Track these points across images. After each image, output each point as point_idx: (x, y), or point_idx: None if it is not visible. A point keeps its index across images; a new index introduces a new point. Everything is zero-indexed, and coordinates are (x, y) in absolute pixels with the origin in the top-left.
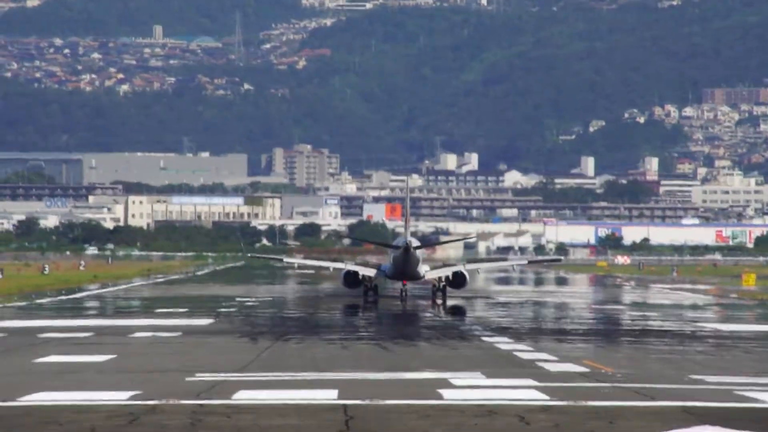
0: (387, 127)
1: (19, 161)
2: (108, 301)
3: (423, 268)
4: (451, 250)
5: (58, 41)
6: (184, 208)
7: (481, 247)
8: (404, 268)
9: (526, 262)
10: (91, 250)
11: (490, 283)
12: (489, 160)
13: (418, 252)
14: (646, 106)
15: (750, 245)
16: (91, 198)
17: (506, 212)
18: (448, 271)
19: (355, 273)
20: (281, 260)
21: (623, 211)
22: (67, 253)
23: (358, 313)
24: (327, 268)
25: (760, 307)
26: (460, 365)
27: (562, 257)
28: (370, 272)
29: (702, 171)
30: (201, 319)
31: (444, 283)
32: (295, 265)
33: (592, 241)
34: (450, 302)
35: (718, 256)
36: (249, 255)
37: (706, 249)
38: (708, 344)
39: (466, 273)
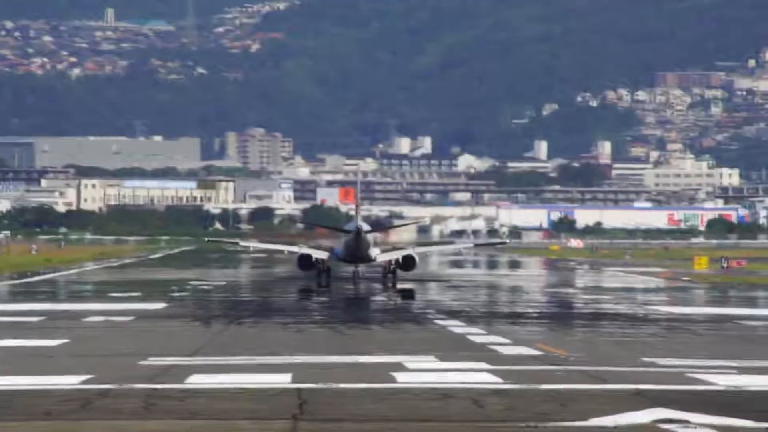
0: (341, 111)
1: None
2: (60, 285)
3: (374, 251)
4: (405, 234)
5: (8, 24)
6: (137, 192)
7: (435, 231)
8: (356, 251)
9: (471, 245)
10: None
11: (444, 267)
12: (442, 143)
13: (369, 236)
14: (599, 89)
15: (702, 228)
16: (43, 182)
17: (460, 196)
18: (398, 255)
19: (309, 256)
20: (237, 243)
21: (576, 194)
22: (19, 237)
23: (312, 297)
24: (281, 252)
25: (712, 290)
26: (414, 349)
27: (507, 240)
28: (324, 255)
29: (654, 154)
30: (154, 304)
31: (394, 266)
32: (250, 248)
33: (545, 224)
34: (403, 286)
35: (669, 240)
36: (206, 239)
37: (659, 232)
38: (660, 327)
39: (415, 256)
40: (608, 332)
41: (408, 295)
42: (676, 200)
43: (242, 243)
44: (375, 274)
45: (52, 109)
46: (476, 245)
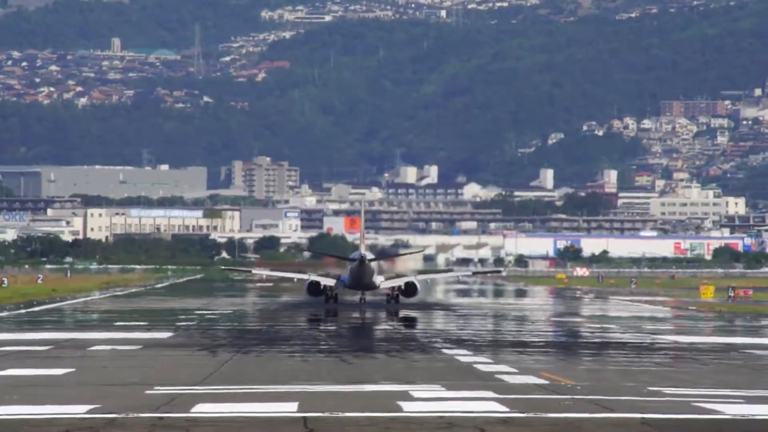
0: (347, 140)
1: None
2: (66, 314)
3: (378, 279)
4: (411, 262)
5: (16, 54)
6: (143, 220)
7: (441, 259)
8: (360, 278)
9: (470, 273)
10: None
11: (451, 296)
12: (448, 172)
13: (373, 264)
14: (604, 118)
15: (708, 257)
16: (49, 211)
17: (466, 225)
18: (400, 282)
19: (317, 283)
20: (250, 272)
21: (582, 223)
22: (26, 266)
23: (318, 326)
24: (291, 279)
25: (718, 320)
26: (420, 377)
27: (503, 269)
28: (331, 282)
29: (660, 183)
30: (160, 332)
31: (397, 293)
32: (263, 276)
33: (551, 253)
34: (409, 314)
35: (676, 269)
36: (221, 267)
37: (665, 261)
38: (666, 356)
39: (417, 283)
40: (614, 361)
41: (413, 323)
42: (682, 229)
43: (255, 271)
44: (380, 299)
45: (59, 138)
46: (474, 273)
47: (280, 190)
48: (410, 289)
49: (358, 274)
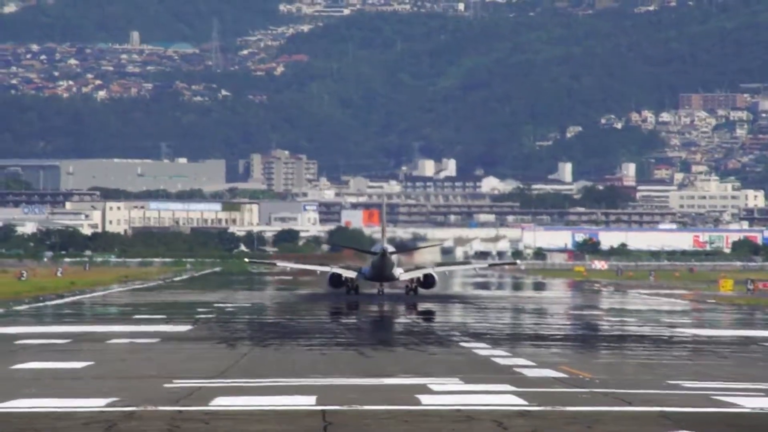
0: (365, 133)
1: None
2: (86, 307)
3: (398, 271)
4: (429, 255)
5: (35, 47)
6: (162, 214)
7: (459, 252)
8: (382, 270)
9: (486, 265)
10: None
11: (470, 289)
12: (466, 165)
13: (394, 257)
14: (623, 111)
15: (727, 250)
16: (68, 204)
17: (484, 218)
18: (419, 273)
19: (339, 275)
20: (275, 264)
21: (600, 216)
22: (45, 259)
23: (337, 319)
24: (314, 272)
25: (737, 313)
26: (438, 371)
27: (518, 261)
28: (352, 274)
29: (679, 176)
30: (179, 326)
31: (416, 284)
32: (287, 268)
33: (570, 246)
34: (428, 306)
35: (694, 262)
36: (246, 260)
37: (683, 254)
38: (685, 349)
39: (435, 275)
40: (633, 354)
41: (432, 316)
42: (701, 222)
43: (279, 263)
44: (399, 290)
45: (78, 131)
46: (491, 265)
47: (299, 183)
48: (429, 280)
49: (380, 266)
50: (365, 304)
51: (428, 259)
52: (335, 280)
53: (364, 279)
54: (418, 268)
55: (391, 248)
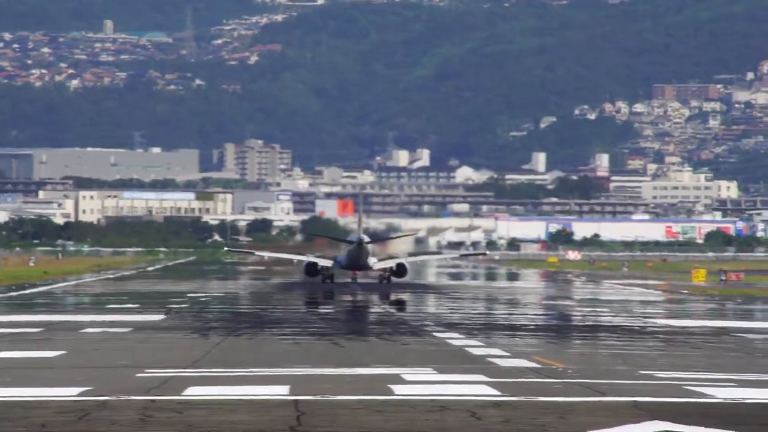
0: (339, 123)
1: None
2: (58, 297)
3: (372, 260)
4: (403, 245)
5: (7, 36)
6: (135, 203)
7: (432, 242)
8: (357, 260)
9: (458, 255)
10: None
11: (443, 279)
12: (440, 155)
13: (369, 246)
14: (596, 102)
15: (700, 241)
16: (41, 193)
17: (458, 208)
18: (392, 263)
19: (315, 264)
20: (253, 253)
21: (574, 206)
22: (17, 249)
23: (310, 309)
24: (290, 261)
25: (710, 303)
26: (412, 361)
27: (486, 251)
28: (328, 263)
29: (652, 167)
30: (152, 315)
31: (389, 273)
32: (265, 257)
33: (543, 236)
34: (402, 296)
35: (667, 252)
36: (226, 249)
37: (657, 244)
38: (658, 340)
39: (407, 264)
40: (606, 345)
41: (405, 306)
42: (674, 213)
43: (257, 252)
44: (372, 280)
45: (51, 120)
46: (462, 255)
47: (272, 173)
48: (401, 270)
49: (356, 255)
50: (340, 293)
51: (401, 249)
52: (311, 269)
53: (340, 268)
54: (390, 257)
55: (366, 238)
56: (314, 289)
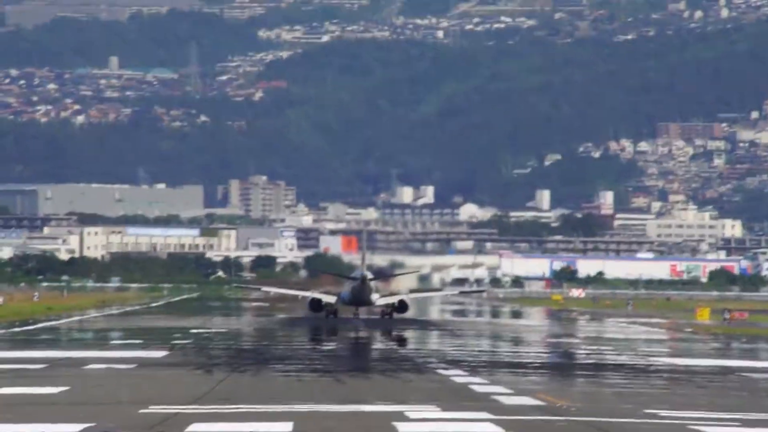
0: (343, 160)
1: None
2: (62, 333)
3: (374, 296)
4: (406, 281)
5: (13, 72)
6: (139, 239)
7: (436, 279)
8: (360, 296)
9: (457, 292)
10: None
11: (447, 316)
12: (444, 193)
13: (372, 283)
14: (601, 140)
15: (704, 279)
16: (46, 229)
17: (462, 245)
18: (394, 299)
19: (319, 300)
20: (260, 289)
21: (578, 244)
22: (22, 285)
23: (313, 345)
24: (295, 297)
25: (714, 342)
26: (415, 398)
27: (486, 288)
28: (332, 299)
29: (656, 205)
30: (156, 351)
31: (391, 309)
32: (271, 293)
33: (548, 274)
34: (405, 333)
35: (672, 291)
36: (235, 285)
37: (661, 283)
38: (662, 378)
39: (408, 301)
40: (610, 383)
41: (409, 343)
42: (678, 251)
43: (264, 288)
44: (374, 316)
45: (56, 156)
46: (461, 292)
47: (277, 209)
48: (402, 306)
49: (359, 291)
50: (343, 330)
51: (405, 286)
52: (315, 304)
53: (343, 304)
54: (392, 294)
55: (369, 275)
56: (318, 325)
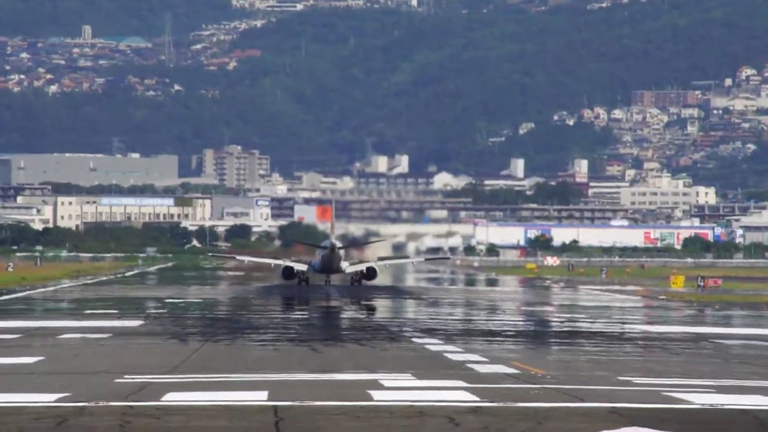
0: (318, 129)
1: None
2: (36, 302)
3: (344, 264)
4: (381, 251)
5: None
6: (114, 209)
7: (411, 247)
8: (330, 264)
9: (423, 259)
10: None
11: (422, 284)
12: (419, 161)
13: (341, 251)
14: (575, 108)
15: (678, 247)
16: (19, 199)
17: (436, 213)
18: (362, 267)
19: (291, 268)
20: (234, 258)
21: (553, 212)
22: None
23: (288, 314)
24: (269, 265)
25: (688, 309)
26: (390, 366)
27: (450, 256)
28: (303, 267)
29: (631, 173)
30: (131, 321)
31: (360, 276)
32: (245, 261)
33: (522, 242)
34: (380, 302)
35: (646, 258)
36: (210, 254)
37: (635, 250)
38: (636, 346)
39: (376, 267)
40: (585, 351)
41: (383, 311)
42: (652, 219)
43: (238, 257)
44: (344, 282)
45: (29, 126)
46: (426, 260)
47: (251, 179)
48: (371, 273)
49: (329, 260)
50: (316, 298)
51: (375, 254)
52: (288, 272)
53: (314, 272)
54: (361, 261)
55: (338, 243)
56: (290, 292)
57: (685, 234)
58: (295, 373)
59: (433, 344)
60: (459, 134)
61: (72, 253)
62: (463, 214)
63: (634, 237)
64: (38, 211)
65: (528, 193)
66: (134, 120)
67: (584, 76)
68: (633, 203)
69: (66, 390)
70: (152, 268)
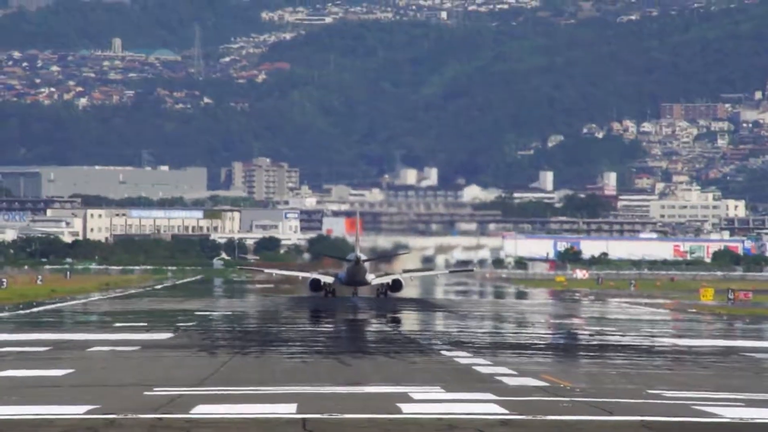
0: (346, 141)
1: None
2: (66, 315)
3: (370, 276)
4: (410, 263)
5: (16, 54)
6: (143, 221)
7: (440, 260)
8: (355, 276)
9: (447, 272)
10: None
11: (450, 296)
12: (448, 174)
13: (366, 264)
14: (604, 121)
15: (707, 260)
16: (49, 211)
17: (465, 226)
18: (388, 279)
19: (318, 280)
20: (263, 271)
21: (582, 225)
22: (25, 267)
23: (317, 327)
24: (297, 277)
25: (718, 322)
26: (419, 379)
27: (474, 268)
28: (330, 279)
29: (660, 186)
30: (160, 334)
31: (385, 288)
32: (273, 274)
33: (551, 255)
34: (407, 315)
35: (675, 271)
36: (239, 267)
37: (664, 263)
38: (666, 359)
39: (402, 280)
40: (614, 364)
41: (411, 324)
42: (681, 232)
43: (266, 270)
44: (371, 294)
45: (59, 138)
46: (450, 272)
47: (280, 191)
48: (396, 285)
49: (354, 272)
50: (342, 310)
51: (402, 266)
52: (315, 284)
53: (341, 284)
54: (387, 274)
55: (363, 256)
56: (317, 304)
57: (715, 247)
58: (324, 386)
59: (462, 357)
60: (488, 147)
61: (101, 266)
62: (492, 226)
63: (664, 250)
64: (68, 223)
65: (557, 205)
66: (163, 132)
67: (613, 88)
68: (662, 216)
69: (96, 402)
70: (181, 281)
